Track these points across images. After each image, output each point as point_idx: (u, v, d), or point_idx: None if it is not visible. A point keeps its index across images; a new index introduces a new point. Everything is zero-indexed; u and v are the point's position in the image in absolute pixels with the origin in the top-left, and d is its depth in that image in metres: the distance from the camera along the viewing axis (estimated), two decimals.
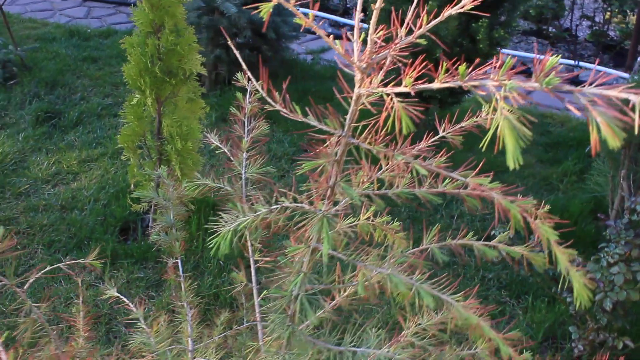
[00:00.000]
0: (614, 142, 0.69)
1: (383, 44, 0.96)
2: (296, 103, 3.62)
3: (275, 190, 1.20)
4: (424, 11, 0.97)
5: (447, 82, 0.84)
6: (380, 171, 1.20)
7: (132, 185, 3.58)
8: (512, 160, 0.79)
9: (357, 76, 0.96)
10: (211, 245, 1.22)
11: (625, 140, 3.62)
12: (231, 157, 1.66)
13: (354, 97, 0.98)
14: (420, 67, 0.92)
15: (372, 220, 1.38)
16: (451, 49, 3.93)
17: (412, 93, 0.88)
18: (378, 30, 0.96)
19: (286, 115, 1.08)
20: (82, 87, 5.46)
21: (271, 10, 0.88)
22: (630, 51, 6.49)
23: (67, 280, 3.32)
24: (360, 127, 1.05)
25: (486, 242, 1.24)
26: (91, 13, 7.63)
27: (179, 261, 2.01)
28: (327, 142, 1.07)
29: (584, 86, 0.73)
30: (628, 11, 6.62)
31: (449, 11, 0.98)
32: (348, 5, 7.79)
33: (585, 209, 4.06)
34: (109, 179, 4.16)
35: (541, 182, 4.44)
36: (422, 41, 0.96)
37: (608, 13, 6.91)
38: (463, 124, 1.34)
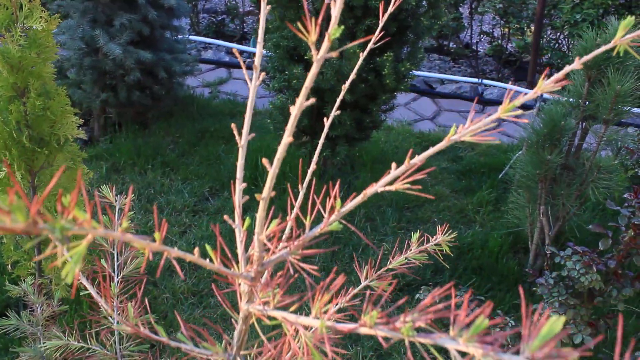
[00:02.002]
0: None
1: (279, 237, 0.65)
2: (194, 146, 3.22)
3: None
4: (334, 191, 0.67)
5: (380, 330, 0.54)
6: None
7: (9, 266, 3.12)
8: None
9: (244, 287, 0.65)
10: None
11: (541, 174, 3.49)
12: (99, 303, 1.30)
13: (241, 315, 0.67)
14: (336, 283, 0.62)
15: None
16: (356, 86, 3.68)
17: (329, 333, 0.58)
18: (267, 223, 0.65)
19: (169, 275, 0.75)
20: None
21: None
22: (531, 66, 6.50)
23: None
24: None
25: None
26: None
27: None
28: None
29: None
30: (525, 27, 6.63)
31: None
32: (245, 30, 7.46)
33: (504, 243, 3.91)
34: None
35: (457, 214, 4.26)
36: (336, 227, 0.66)
37: (506, 28, 6.92)
38: (391, 265, 1.06)
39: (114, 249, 1.29)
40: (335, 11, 0.52)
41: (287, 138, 0.57)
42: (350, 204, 0.64)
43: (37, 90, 2.66)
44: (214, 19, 7.52)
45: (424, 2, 3.91)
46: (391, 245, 3.85)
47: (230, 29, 7.42)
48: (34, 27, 2.55)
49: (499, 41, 7.26)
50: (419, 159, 0.66)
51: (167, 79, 4.70)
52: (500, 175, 4.50)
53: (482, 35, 7.45)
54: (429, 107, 5.93)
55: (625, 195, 2.58)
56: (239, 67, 6.27)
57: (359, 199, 0.64)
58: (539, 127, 3.44)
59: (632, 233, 2.49)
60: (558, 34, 7.02)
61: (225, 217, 0.68)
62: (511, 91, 0.67)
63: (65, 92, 2.80)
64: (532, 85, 6.50)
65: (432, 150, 0.67)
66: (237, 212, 0.65)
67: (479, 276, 3.69)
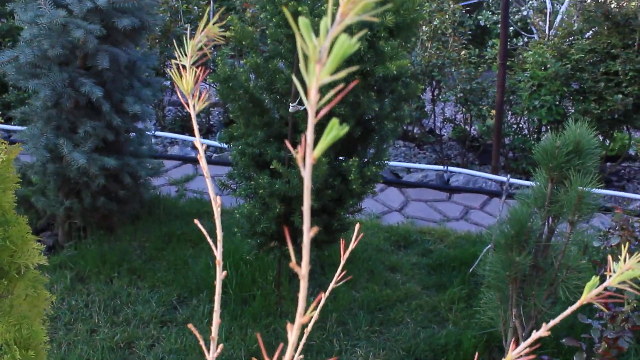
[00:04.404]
0: None
1: None
2: (161, 250, 3.13)
3: None
4: None
5: None
6: None
7: None
8: None
9: None
10: None
11: (511, 275, 3.48)
12: None
13: None
14: None
15: None
16: (323, 192, 3.68)
17: None
18: None
19: None
20: None
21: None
22: (494, 151, 6.63)
23: None
24: None
25: None
26: None
27: None
28: None
29: None
30: (486, 114, 6.80)
31: None
32: (211, 123, 7.52)
33: (479, 343, 3.86)
34: None
35: (429, 313, 4.22)
36: None
37: (469, 114, 7.08)
38: None
39: None
40: (292, 337, 0.50)
41: None
42: None
43: None
44: (180, 113, 7.56)
45: (386, 102, 3.97)
46: (365, 350, 3.77)
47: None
48: None
49: (462, 125, 7.42)
50: None
51: (132, 183, 4.67)
52: (470, 270, 4.49)
53: (444, 123, 7.61)
54: (396, 198, 5.96)
55: (595, 305, 2.58)
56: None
57: None
58: (506, 229, 3.46)
59: (606, 346, 2.48)
60: (518, 118, 7.20)
61: None
62: None
63: (24, 217, 2.74)
64: (496, 170, 6.61)
65: None
66: None
67: None
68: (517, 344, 2.71)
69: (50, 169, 4.47)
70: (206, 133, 7.25)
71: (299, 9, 3.54)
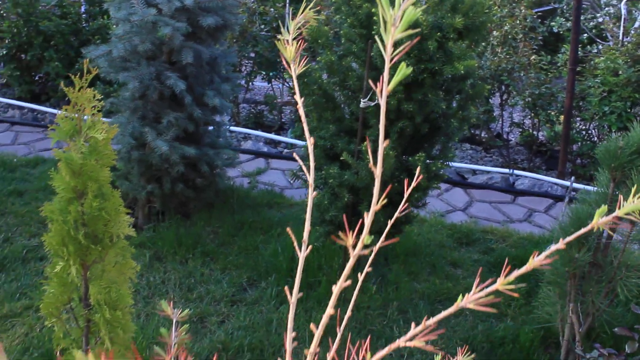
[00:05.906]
0: None
1: None
2: (233, 236, 3.44)
3: None
4: (366, 345, 0.83)
5: None
6: None
7: (57, 353, 3.29)
8: None
9: None
10: None
11: (570, 271, 3.58)
12: None
13: None
14: None
15: None
16: (389, 185, 3.86)
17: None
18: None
19: None
20: (7, 227, 5.16)
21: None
22: (561, 156, 6.65)
23: None
24: None
25: None
26: (19, 138, 7.38)
27: None
28: None
29: None
30: (554, 119, 6.82)
31: None
32: (283, 120, 7.79)
33: (535, 337, 3.96)
34: (33, 337, 3.84)
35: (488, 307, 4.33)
36: None
37: (537, 119, 7.12)
38: None
39: None
40: (368, 220, 0.70)
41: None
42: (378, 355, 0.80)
43: (94, 193, 2.90)
44: (254, 110, 7.88)
45: (453, 102, 4.12)
46: None
47: (269, 119, 7.76)
48: (96, 136, 2.82)
49: (530, 130, 7.45)
50: (433, 321, 0.81)
51: (209, 172, 4.97)
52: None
53: (512, 127, 7.66)
54: (460, 198, 6.08)
55: None
56: (277, 157, 6.55)
57: (384, 351, 0.80)
58: (566, 227, 3.56)
59: None
60: (587, 124, 7.18)
61: None
62: None
63: (118, 191, 3.04)
64: (562, 175, 6.63)
65: (442, 315, 0.82)
66: None
67: None
68: (574, 340, 2.84)
69: (134, 156, 4.81)
70: (278, 130, 7.53)
71: (373, 10, 3.75)
